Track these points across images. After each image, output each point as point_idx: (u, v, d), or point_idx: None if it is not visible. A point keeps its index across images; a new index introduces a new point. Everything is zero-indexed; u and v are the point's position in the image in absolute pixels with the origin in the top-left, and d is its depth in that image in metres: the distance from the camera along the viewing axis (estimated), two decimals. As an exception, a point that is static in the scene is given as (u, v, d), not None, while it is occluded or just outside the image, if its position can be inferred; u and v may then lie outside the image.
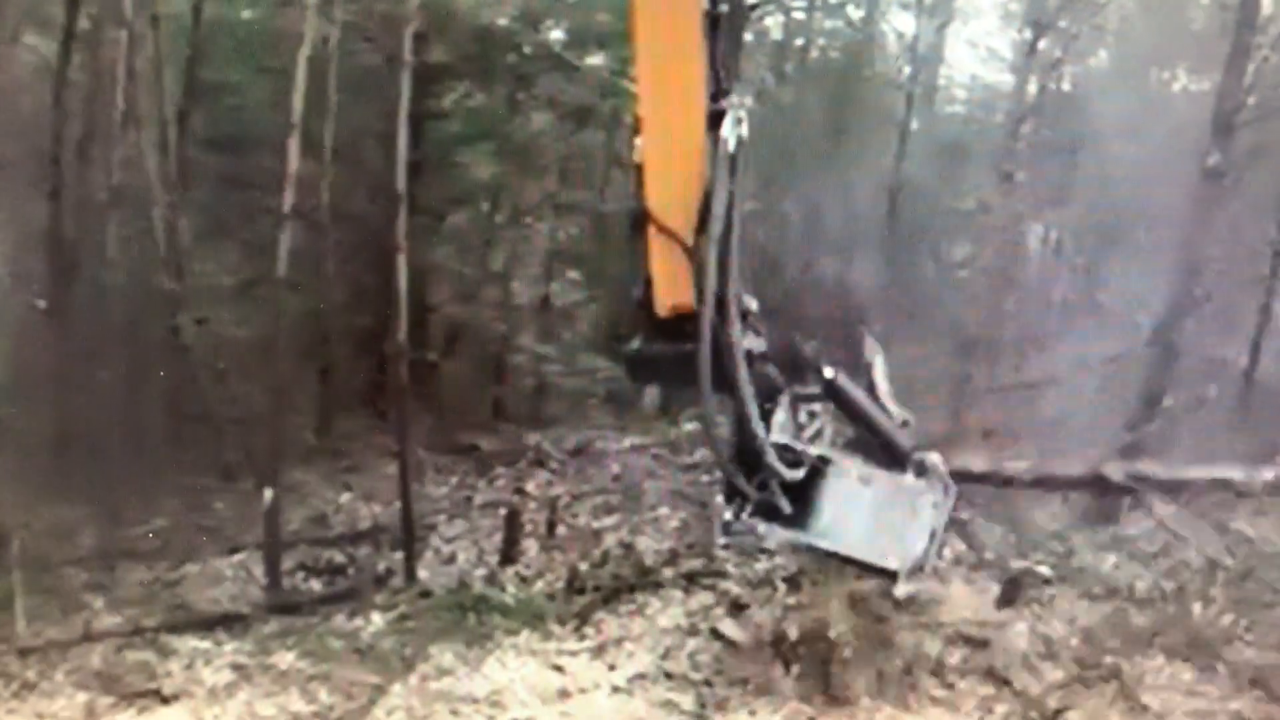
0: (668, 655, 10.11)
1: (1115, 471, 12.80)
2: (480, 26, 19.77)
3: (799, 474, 5.24)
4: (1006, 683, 10.33)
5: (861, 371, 5.87)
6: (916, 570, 5.68)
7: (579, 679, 9.63)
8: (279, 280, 13.46)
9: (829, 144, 23.86)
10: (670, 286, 5.14)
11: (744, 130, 5.09)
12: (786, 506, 5.20)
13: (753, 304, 5.31)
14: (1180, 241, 18.42)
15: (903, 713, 9.76)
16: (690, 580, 11.72)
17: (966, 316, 20.15)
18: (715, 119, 5.19)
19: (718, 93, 5.20)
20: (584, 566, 12.53)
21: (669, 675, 9.69)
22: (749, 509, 5.29)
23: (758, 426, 5.00)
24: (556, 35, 22.49)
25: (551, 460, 17.02)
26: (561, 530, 14.38)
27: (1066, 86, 29.56)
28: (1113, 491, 14.57)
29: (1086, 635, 11.25)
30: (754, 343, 5.28)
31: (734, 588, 11.59)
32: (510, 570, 13.13)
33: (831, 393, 5.48)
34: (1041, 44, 28.40)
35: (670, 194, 5.15)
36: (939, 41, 30.11)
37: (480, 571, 13.35)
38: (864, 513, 5.34)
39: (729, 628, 10.76)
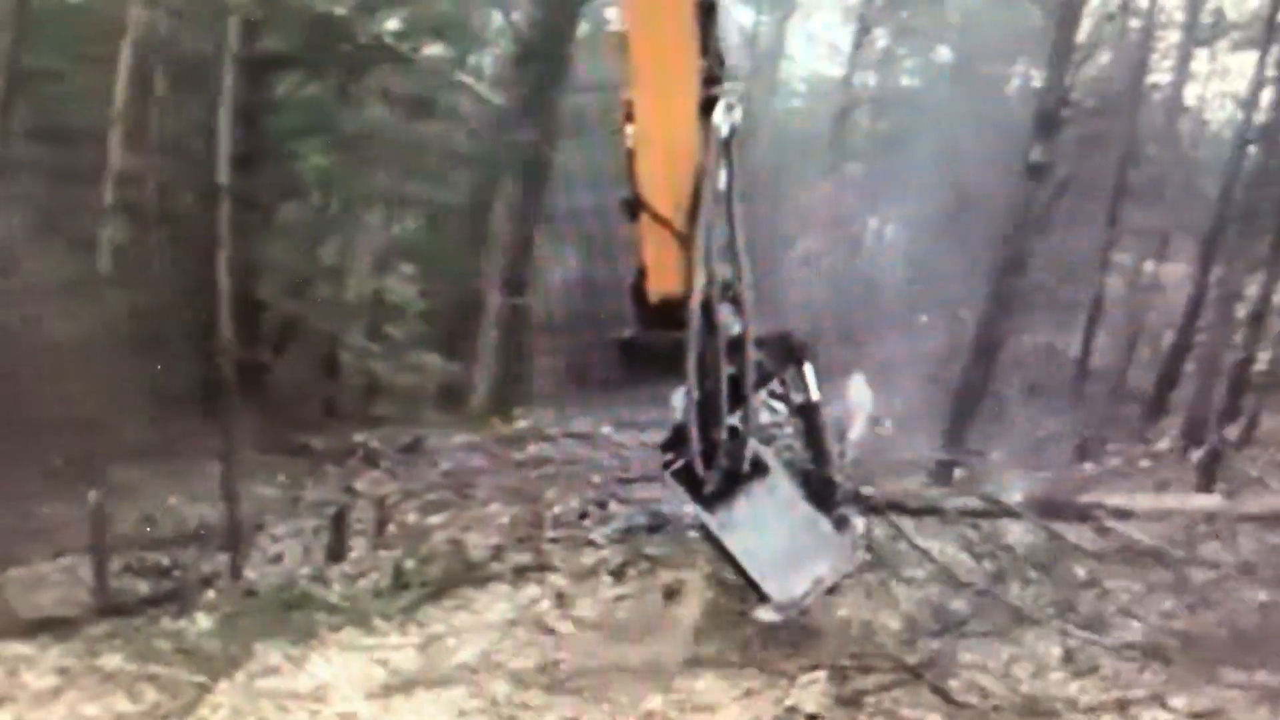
0: (492, 648, 10.47)
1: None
2: (315, 15, 19.72)
3: (740, 464, 5.52)
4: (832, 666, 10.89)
5: (838, 401, 6.19)
6: (785, 608, 6.06)
7: (402, 673, 9.85)
8: (103, 277, 13.38)
9: None
10: (662, 276, 5.37)
11: (737, 116, 5.28)
12: (710, 485, 5.51)
13: (748, 290, 5.53)
14: (1008, 235, 19.37)
15: (723, 697, 10.16)
16: (517, 574, 12.05)
17: (810, 310, 20.93)
18: (707, 106, 5.37)
19: (709, 79, 5.39)
20: (411, 564, 12.71)
21: (494, 667, 10.02)
22: (679, 467, 5.59)
23: (723, 409, 5.27)
24: (392, 25, 22.58)
25: (382, 458, 17.22)
26: (391, 528, 14.63)
27: (907, 81, 30.58)
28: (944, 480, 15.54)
29: (907, 621, 11.91)
30: (744, 327, 5.53)
31: (561, 581, 12.01)
32: (337, 569, 13.25)
33: (805, 413, 5.77)
34: (883, 39, 29.46)
35: (663, 181, 5.34)
36: (779, 35, 30.88)
37: (307, 570, 13.45)
38: (771, 530, 5.66)
39: (555, 620, 11.20)
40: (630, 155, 5.38)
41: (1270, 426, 20.21)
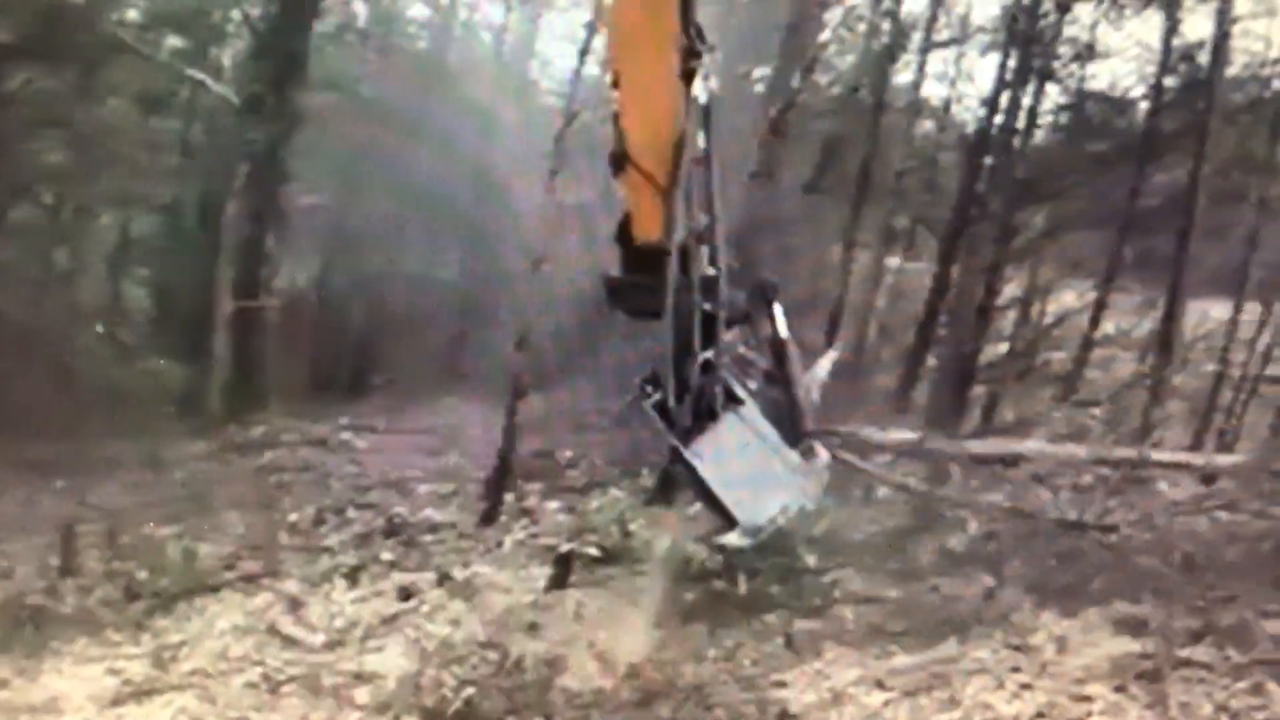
0: (224, 654, 11.02)
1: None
2: (49, 5, 19.51)
3: (714, 398, 6.05)
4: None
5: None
6: (751, 533, 6.62)
7: (135, 682, 10.29)
8: None
9: (416, 136, 24.60)
10: (644, 223, 5.90)
11: (714, 85, 5.86)
12: (686, 420, 6.06)
13: (721, 238, 6.09)
14: (740, 238, 20.48)
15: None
16: (250, 582, 12.63)
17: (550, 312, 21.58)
18: (687, 75, 5.89)
19: (688, 52, 5.90)
20: (143, 574, 13.05)
21: (224, 673, 10.58)
22: (654, 402, 6.12)
23: (696, 344, 5.81)
24: (132, 16, 22.36)
25: (117, 468, 17.30)
26: (124, 539, 14.67)
27: None
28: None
29: (638, 604, 12.85)
30: (718, 269, 6.10)
31: (293, 587, 12.64)
32: (70, 581, 13.41)
33: (775, 350, 6.36)
34: None
35: (646, 141, 5.86)
36: (531, 34, 31.21)
37: (40, 584, 13.51)
38: (741, 460, 6.13)
39: (287, 625, 11.83)
40: (615, 117, 5.88)
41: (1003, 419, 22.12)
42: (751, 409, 6.09)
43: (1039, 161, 24.24)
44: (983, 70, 30.32)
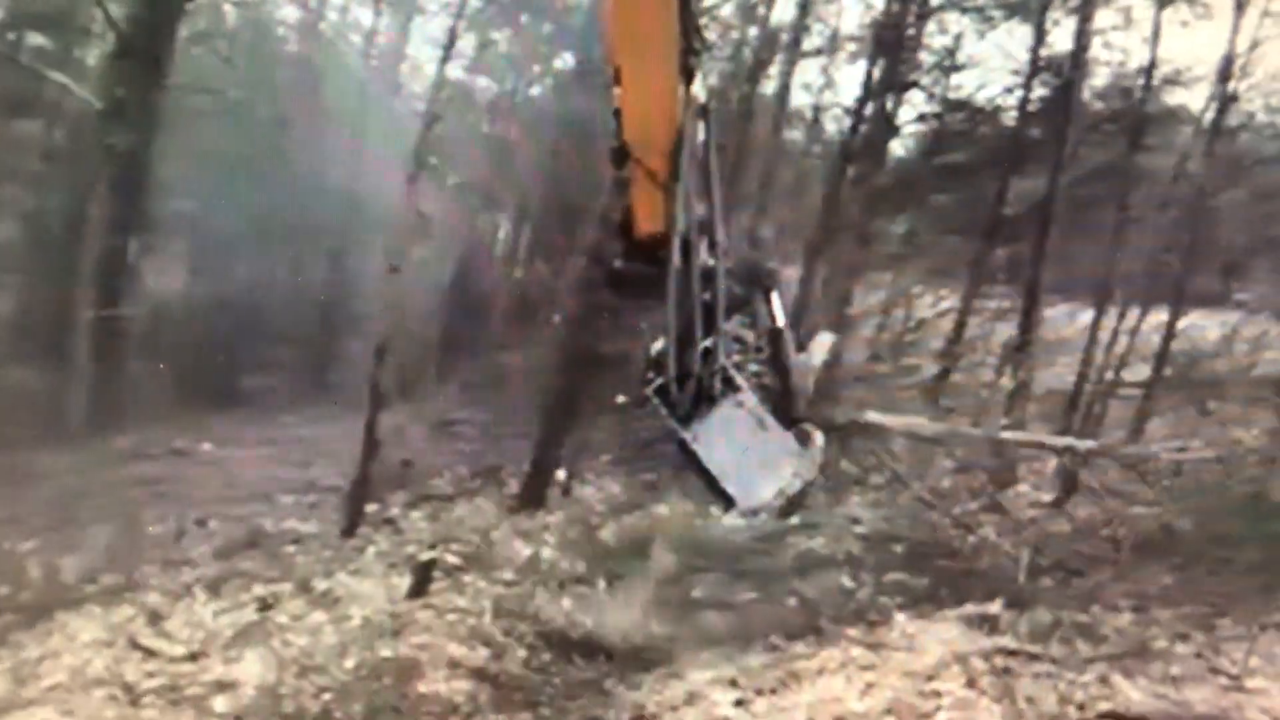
0: (85, 668, 11.33)
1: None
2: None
3: (713, 384, 6.36)
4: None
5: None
6: (749, 513, 6.91)
7: (-6, 698, 10.62)
8: None
9: (284, 141, 24.63)
10: (646, 215, 6.23)
11: (713, 82, 6.19)
12: (686, 405, 6.37)
13: (721, 231, 6.38)
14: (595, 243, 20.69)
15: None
16: (111, 595, 12.91)
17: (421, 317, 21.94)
18: (686, 73, 6.19)
19: (687, 51, 6.20)
20: (4, 590, 13.19)
21: (83, 686, 10.90)
22: (656, 386, 6.40)
23: (697, 333, 6.13)
24: (-4, 14, 22.18)
25: (-20, 484, 17.33)
26: (-14, 557, 14.90)
27: (535, 90, 31.47)
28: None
29: (496, 613, 13.48)
30: (718, 263, 6.39)
31: (154, 599, 12.97)
32: (-70, 599, 13.62)
33: (772, 337, 6.70)
34: (505, 45, 30.19)
35: (647, 138, 6.18)
36: (402, 36, 31.29)
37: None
38: (738, 442, 6.42)
39: (148, 637, 12.18)
40: (618, 113, 6.17)
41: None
42: (748, 395, 6.39)
43: (901, 170, 24.98)
44: (850, 79, 30.80)
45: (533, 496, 17.99)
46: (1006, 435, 18.52)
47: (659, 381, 6.41)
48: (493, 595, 13.78)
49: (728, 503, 6.54)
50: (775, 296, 6.58)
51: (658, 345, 6.39)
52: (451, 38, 25.44)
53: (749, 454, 6.31)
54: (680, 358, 6.01)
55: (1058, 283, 23.65)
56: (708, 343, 6.08)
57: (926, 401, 23.81)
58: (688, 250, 6.22)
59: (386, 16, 29.91)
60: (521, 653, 12.60)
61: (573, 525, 16.83)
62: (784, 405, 6.44)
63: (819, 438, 6.69)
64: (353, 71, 28.41)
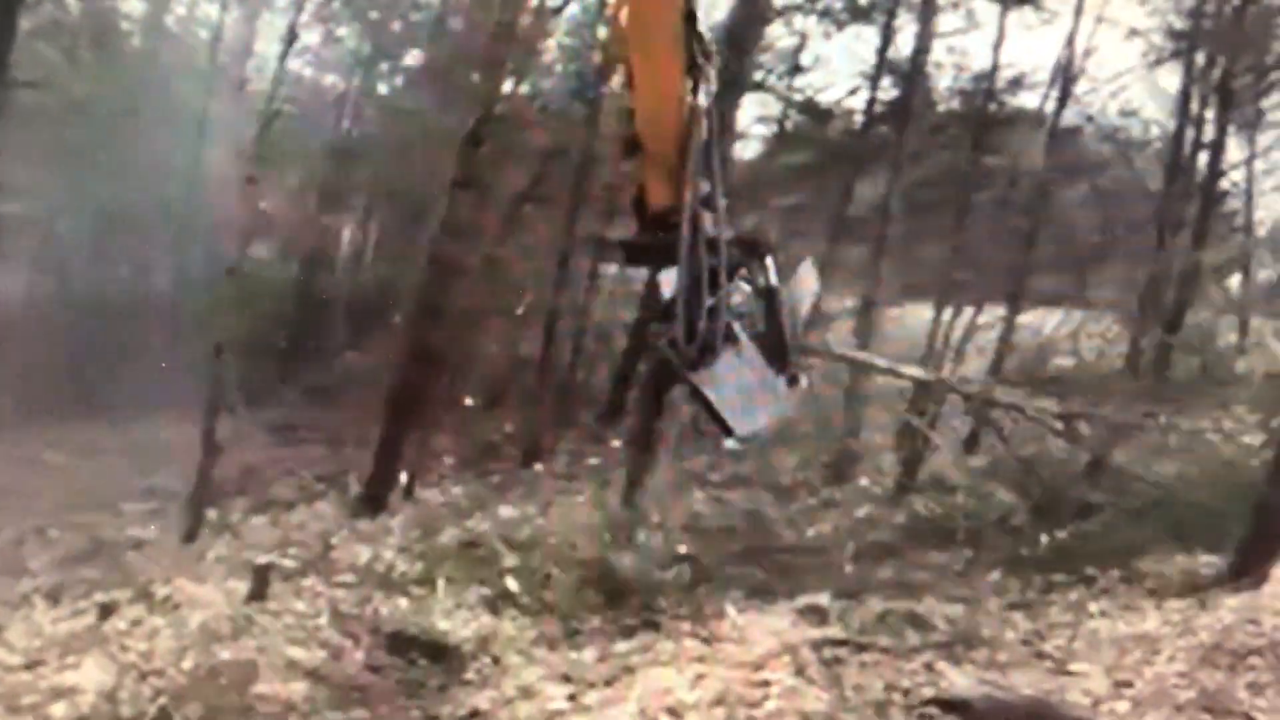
0: None
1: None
2: None
3: (717, 337, 7.28)
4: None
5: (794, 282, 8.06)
6: (745, 440, 7.91)
7: None
8: None
9: (129, 139, 24.95)
10: (657, 194, 7.05)
11: (714, 85, 7.04)
12: (693, 354, 7.28)
13: (723, 203, 7.29)
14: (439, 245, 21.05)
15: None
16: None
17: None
18: (692, 71, 7.06)
19: (693, 60, 7.07)
20: None
21: None
22: (667, 342, 7.35)
23: (704, 293, 7.00)
24: None
25: None
26: None
27: (383, 87, 31.78)
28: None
29: (334, 615, 14.00)
30: (721, 231, 7.30)
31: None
32: None
33: (767, 296, 7.59)
34: (354, 41, 30.42)
35: (658, 132, 7.00)
36: (249, 33, 31.38)
37: None
38: (738, 384, 7.41)
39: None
40: (630, 109, 7.02)
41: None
42: (746, 345, 6.98)
43: (745, 171, 25.77)
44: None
45: (374, 500, 18.60)
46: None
47: (668, 334, 7.41)
48: (331, 598, 14.25)
49: (728, 432, 7.21)
50: (769, 260, 7.47)
51: (667, 292, 7.33)
52: (292, 33, 25.70)
53: (746, 393, 7.02)
54: (688, 314, 6.73)
55: (905, 283, 24.86)
56: (712, 301, 6.75)
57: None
58: (695, 223, 7.23)
59: (234, 11, 30.00)
60: (359, 654, 13.02)
61: (414, 528, 17.41)
62: (776, 353, 7.14)
63: (804, 379, 7.74)
64: (199, 68, 28.66)
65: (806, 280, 8.70)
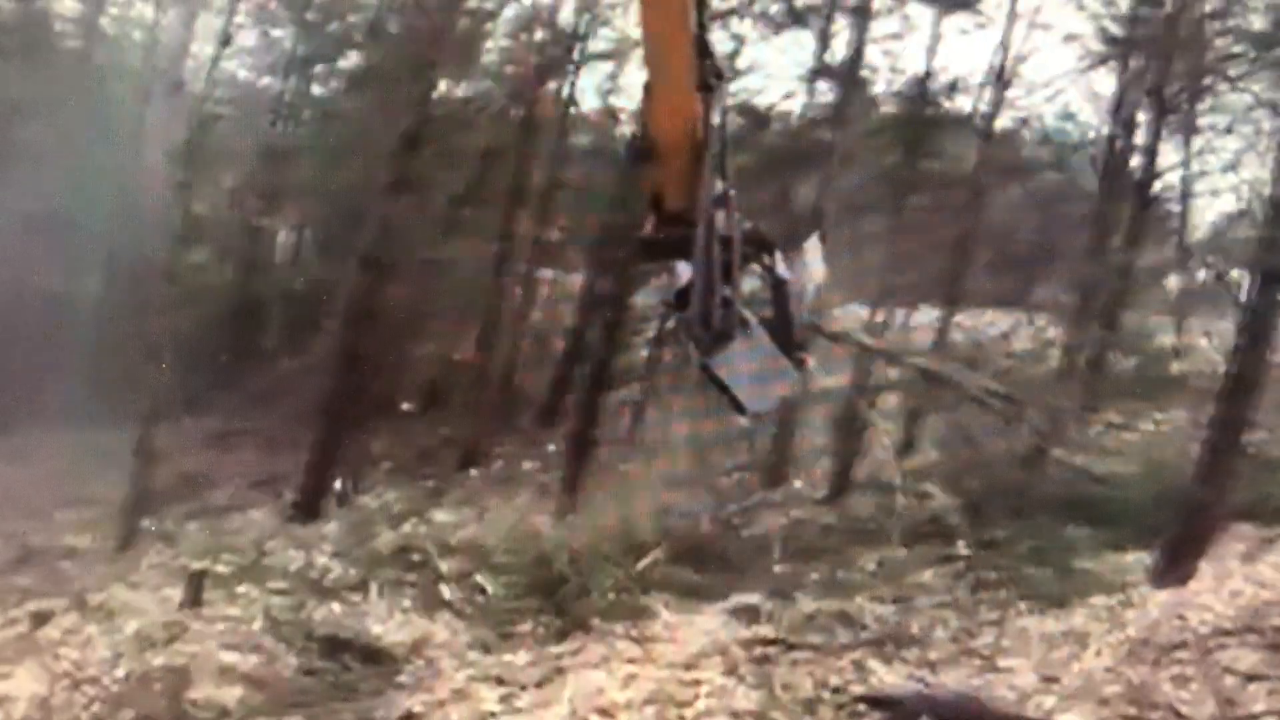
0: None
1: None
2: None
3: (731, 325, 7.66)
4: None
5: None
6: (756, 416, 9.09)
7: None
8: None
9: (61, 141, 24.54)
10: (673, 196, 7.55)
11: (725, 103, 7.49)
12: (707, 337, 7.71)
13: (734, 201, 7.73)
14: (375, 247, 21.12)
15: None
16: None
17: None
18: (704, 87, 7.48)
19: (705, 82, 7.52)
20: None
21: None
22: (687, 326, 7.82)
23: (718, 284, 7.45)
24: None
25: None
26: None
27: (317, 89, 31.59)
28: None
29: (269, 620, 14.11)
30: (733, 229, 7.69)
31: None
32: None
33: (776, 286, 8.07)
34: (290, 43, 30.22)
35: (672, 142, 7.46)
36: (185, 34, 31.16)
37: None
38: (750, 365, 7.89)
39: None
40: (644, 125, 8.04)
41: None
42: (757, 330, 7.96)
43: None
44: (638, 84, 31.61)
45: (309, 506, 18.76)
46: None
47: (679, 318, 8.15)
48: (266, 604, 14.50)
49: (740, 410, 8.44)
50: (777, 254, 8.15)
51: (683, 281, 7.90)
52: (225, 35, 25.64)
53: (757, 375, 8.00)
54: (704, 304, 7.46)
55: (842, 285, 25.14)
56: (726, 292, 7.57)
57: (709, 404, 25.19)
58: (709, 221, 7.73)
59: (170, 13, 29.76)
60: (294, 658, 13.35)
61: (349, 533, 17.63)
62: (785, 339, 8.01)
63: (810, 360, 8.58)
64: (134, 69, 28.29)
65: (812, 259, 9.35)
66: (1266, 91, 20.78)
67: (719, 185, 7.51)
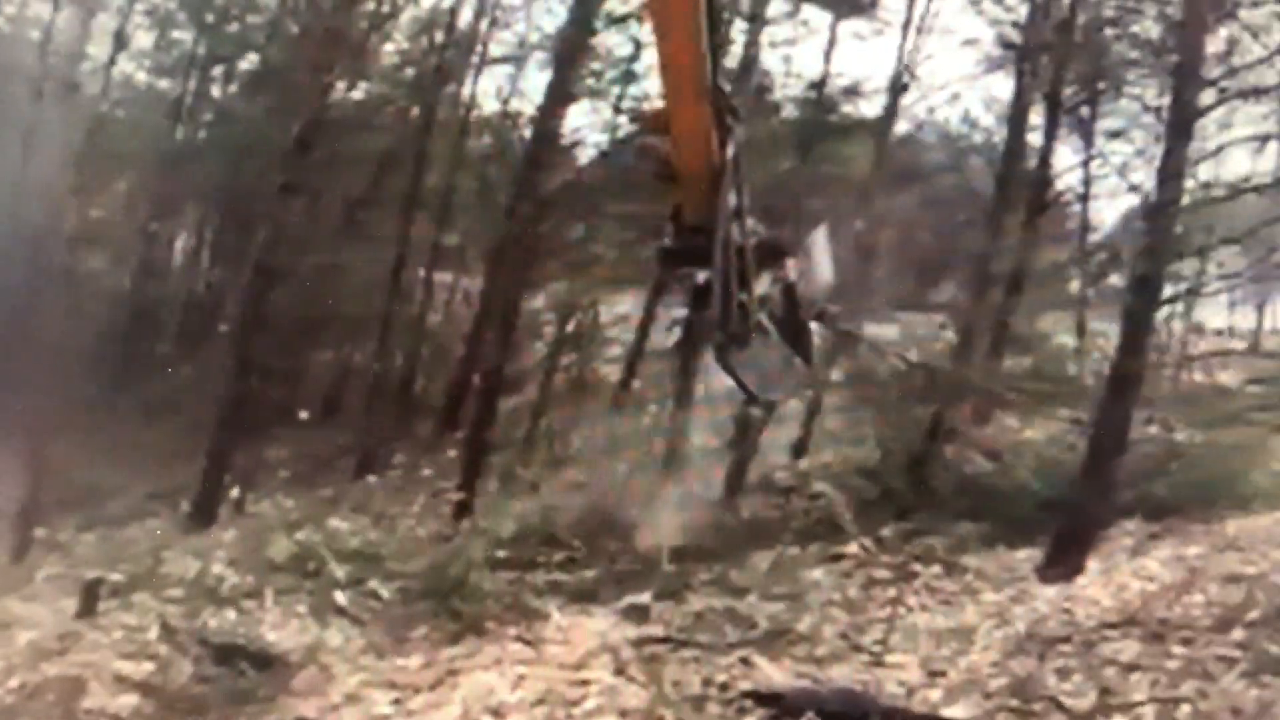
0: None
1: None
2: None
3: (746, 328, 8.06)
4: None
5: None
6: (766, 407, 10.98)
7: None
8: None
9: None
10: (692, 213, 7.84)
11: (740, 138, 7.82)
12: (722, 340, 8.09)
13: (748, 215, 8.09)
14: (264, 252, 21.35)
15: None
16: None
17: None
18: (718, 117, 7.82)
19: (721, 121, 7.84)
20: None
21: None
22: (707, 328, 8.37)
23: (734, 290, 7.78)
24: None
25: None
26: None
27: (216, 91, 31.56)
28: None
29: (164, 628, 14.37)
30: (746, 239, 8.05)
31: None
32: None
33: (786, 291, 8.58)
34: (189, 44, 30.20)
35: (690, 172, 7.72)
36: (81, 34, 30.99)
37: None
38: (761, 362, 8.39)
39: None
40: (666, 158, 7.88)
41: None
42: (772, 333, 8.58)
43: (584, 178, 25.93)
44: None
45: (206, 514, 19.05)
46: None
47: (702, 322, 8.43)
48: (161, 612, 14.79)
49: (752, 398, 9.09)
50: (790, 261, 8.76)
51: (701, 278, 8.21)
52: (119, 37, 25.58)
53: (767, 369, 8.61)
54: (724, 308, 7.94)
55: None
56: (742, 297, 8.07)
57: (610, 408, 25.77)
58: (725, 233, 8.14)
59: (66, 12, 29.54)
60: (188, 666, 13.66)
61: (244, 541, 17.96)
62: (792, 337, 8.72)
63: (815, 364, 9.37)
64: (28, 70, 27.68)
65: (819, 258, 10.07)
66: (1156, 99, 21.45)
67: (734, 200, 7.98)
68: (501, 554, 18.22)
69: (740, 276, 8.09)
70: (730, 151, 7.99)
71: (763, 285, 8.41)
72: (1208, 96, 18.56)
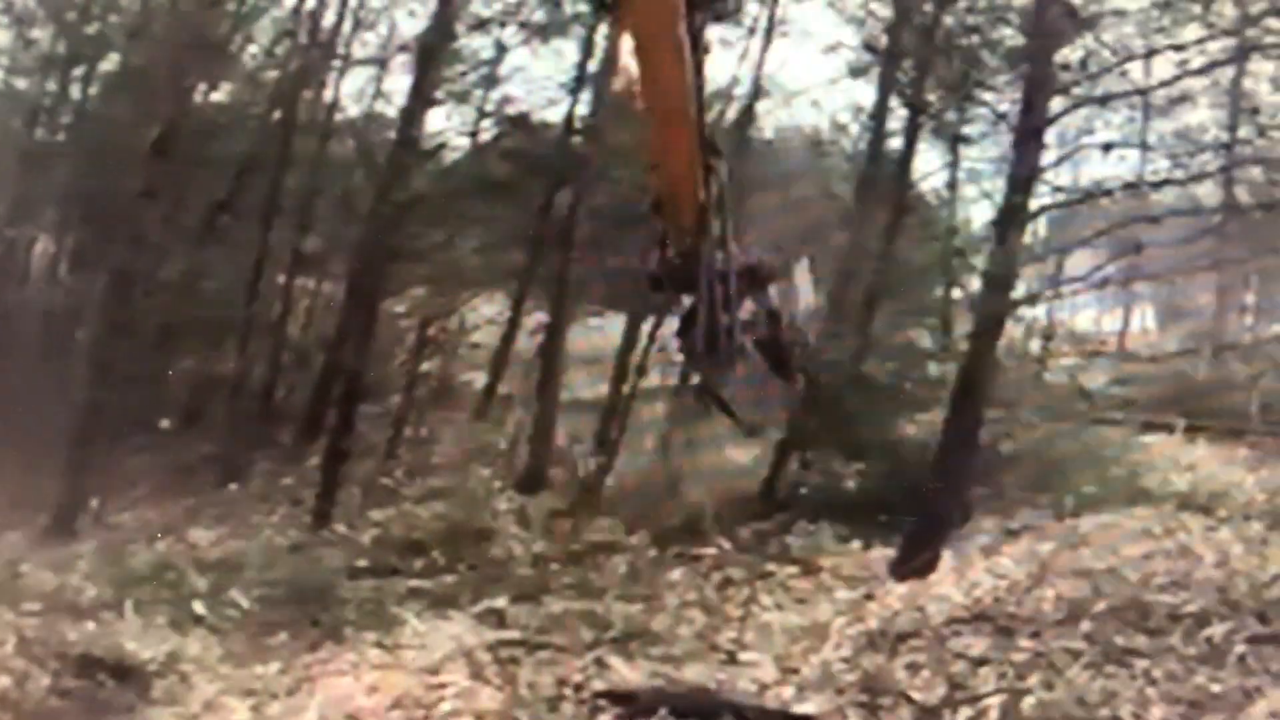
0: None
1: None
2: None
3: (730, 352, 8.45)
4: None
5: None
6: (753, 428, 10.70)
7: None
8: None
9: None
10: (678, 240, 8.38)
11: (723, 179, 8.32)
12: (705, 360, 8.55)
13: (732, 243, 8.56)
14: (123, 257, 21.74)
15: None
16: None
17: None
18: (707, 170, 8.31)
19: (705, 153, 8.32)
20: None
21: None
22: (689, 348, 8.60)
23: (719, 314, 8.26)
24: None
25: None
26: None
27: (76, 91, 31.25)
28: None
29: (21, 641, 14.38)
30: (730, 266, 8.47)
31: None
32: None
33: (770, 316, 8.91)
34: (48, 44, 30.02)
35: (675, 204, 8.30)
36: None
37: None
38: (746, 386, 8.81)
39: None
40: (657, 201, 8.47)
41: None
42: (754, 355, 8.92)
43: (444, 182, 26.15)
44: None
45: (64, 526, 19.21)
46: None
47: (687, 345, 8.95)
48: (18, 625, 14.90)
49: (737, 422, 9.65)
50: (771, 287, 9.13)
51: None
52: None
53: (752, 394, 9.09)
54: (709, 332, 8.44)
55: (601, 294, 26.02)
56: (726, 322, 8.50)
57: (474, 413, 26.36)
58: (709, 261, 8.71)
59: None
60: (46, 679, 13.74)
61: (104, 553, 18.25)
62: (778, 361, 9.10)
63: (800, 381, 9.57)
64: None
65: (802, 285, 10.72)
66: (1010, 106, 22.19)
67: (717, 229, 8.53)
68: (361, 562, 18.87)
69: (724, 301, 8.58)
70: (714, 188, 8.53)
71: (745, 310, 8.78)
72: (1058, 104, 19.69)
